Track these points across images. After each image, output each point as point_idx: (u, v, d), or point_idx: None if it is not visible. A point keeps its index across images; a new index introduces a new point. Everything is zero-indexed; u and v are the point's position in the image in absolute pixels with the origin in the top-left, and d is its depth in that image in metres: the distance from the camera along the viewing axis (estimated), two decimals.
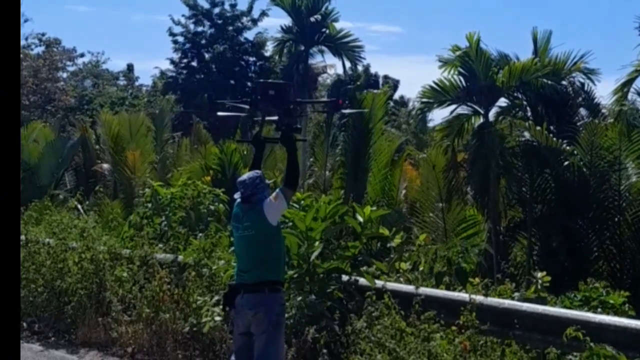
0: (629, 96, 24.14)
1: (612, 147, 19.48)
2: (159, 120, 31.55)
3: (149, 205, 14.71)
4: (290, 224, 10.23)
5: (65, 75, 54.95)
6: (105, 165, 28.29)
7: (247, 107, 9.15)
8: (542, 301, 9.26)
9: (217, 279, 10.67)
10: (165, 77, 55.64)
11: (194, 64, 54.42)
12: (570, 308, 10.32)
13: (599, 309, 10.75)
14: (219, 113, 9.71)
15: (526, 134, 21.10)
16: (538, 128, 20.10)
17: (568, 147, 19.92)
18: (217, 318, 9.98)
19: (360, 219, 11.11)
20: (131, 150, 25.59)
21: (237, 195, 7.86)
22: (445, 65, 22.13)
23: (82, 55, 55.86)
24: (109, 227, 14.61)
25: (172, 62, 54.77)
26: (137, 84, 64.67)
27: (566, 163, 19.89)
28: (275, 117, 8.43)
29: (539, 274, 10.99)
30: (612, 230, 19.55)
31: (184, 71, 54.33)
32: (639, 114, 23.57)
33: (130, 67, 66.11)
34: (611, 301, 11.15)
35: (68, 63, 54.22)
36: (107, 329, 11.45)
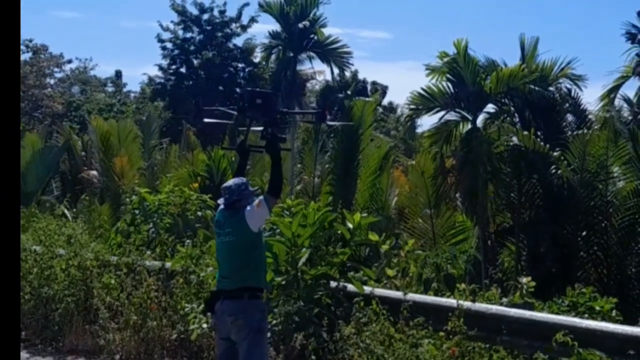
0: (616, 102, 24.29)
1: (599, 154, 19.55)
2: (147, 126, 31.54)
3: (137, 212, 14.70)
4: (278, 230, 10.24)
5: (52, 81, 55.04)
6: (93, 172, 28.28)
7: (234, 113, 9.14)
8: (530, 307, 9.25)
9: (205, 286, 10.66)
10: (154, 84, 55.56)
11: (183, 70, 54.37)
12: (557, 313, 10.34)
13: (586, 315, 10.77)
14: (205, 120, 9.70)
15: (514, 138, 21.13)
16: (526, 133, 20.15)
17: (555, 153, 19.96)
18: (205, 325, 9.97)
19: (350, 225, 11.13)
20: (119, 157, 25.55)
21: (220, 201, 7.86)
22: (433, 72, 22.13)
23: (69, 61, 55.95)
24: (96, 234, 14.56)
25: (161, 68, 54.70)
26: (125, 90, 64.76)
27: (554, 169, 19.92)
28: (260, 127, 8.44)
29: (524, 279, 11.01)
30: (599, 236, 19.60)
31: (173, 77, 54.25)
32: (625, 120, 23.68)
33: (118, 74, 66.20)
34: (598, 307, 11.17)
35: (55, 69, 54.32)
36: (94, 336, 11.43)
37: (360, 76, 61.30)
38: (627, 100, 26.75)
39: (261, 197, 7.68)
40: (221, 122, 9.75)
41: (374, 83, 64.45)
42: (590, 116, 22.52)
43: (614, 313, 10.89)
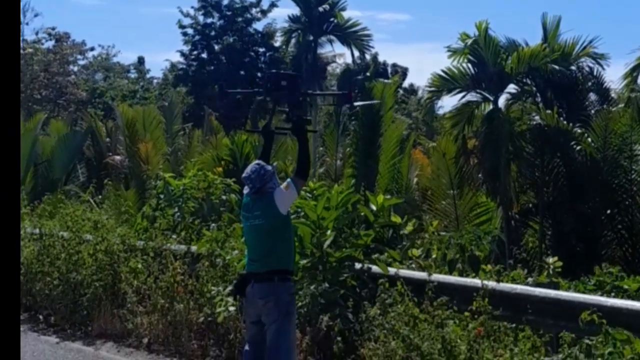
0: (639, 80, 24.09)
1: (622, 130, 19.44)
2: (169, 112, 31.68)
3: (161, 196, 14.80)
4: (302, 213, 10.30)
5: (76, 69, 55.25)
6: (117, 157, 28.41)
7: (256, 97, 9.22)
8: (555, 286, 9.29)
9: (231, 269, 10.73)
10: (176, 70, 55.78)
11: (204, 55, 54.53)
12: (583, 293, 10.34)
13: (612, 294, 10.74)
14: (229, 91, 9.65)
15: (536, 117, 21.04)
16: (548, 112, 20.07)
17: (579, 131, 19.87)
18: (231, 308, 10.02)
19: (374, 207, 11.18)
20: (145, 142, 25.67)
21: (246, 190, 7.91)
22: (454, 54, 22.06)
23: (92, 49, 56.15)
24: (122, 219, 14.68)
25: (182, 54, 54.95)
26: (148, 76, 64.92)
27: (578, 148, 19.84)
28: (285, 108, 8.50)
29: (551, 260, 11.02)
30: (623, 214, 19.50)
31: (194, 63, 54.46)
32: None
33: (141, 60, 66.42)
34: (625, 286, 11.14)
35: (79, 57, 54.51)
36: (122, 320, 11.55)
37: (381, 59, 61.28)
38: None
39: (289, 180, 7.75)
40: (249, 92, 9.80)
41: (394, 65, 64.33)
42: (613, 95, 22.39)
43: None
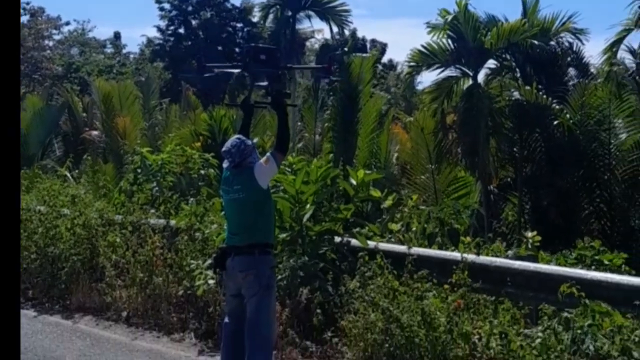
0: (619, 55, 24.19)
1: (602, 106, 19.55)
2: (146, 87, 31.55)
3: (139, 171, 14.76)
4: (282, 188, 10.29)
5: (51, 43, 54.81)
6: (95, 132, 28.30)
7: (235, 71, 9.16)
8: (534, 259, 9.31)
9: (210, 243, 10.73)
10: (153, 45, 55.48)
11: (181, 30, 54.29)
12: (564, 266, 10.36)
13: (593, 268, 10.77)
14: (207, 74, 9.70)
15: (515, 93, 21.13)
16: (527, 87, 20.15)
17: (557, 107, 19.96)
18: (211, 281, 10.03)
19: (353, 182, 11.18)
20: (122, 117, 25.55)
21: (225, 164, 7.88)
22: (434, 30, 22.10)
23: (67, 23, 55.77)
24: (100, 194, 14.62)
25: (159, 29, 54.67)
26: (124, 51, 64.51)
27: (556, 122, 19.93)
28: (265, 83, 8.46)
29: (530, 234, 11.05)
30: (602, 188, 19.64)
31: (171, 38, 54.21)
32: (628, 72, 23.59)
33: (117, 35, 65.99)
34: (606, 261, 11.17)
35: (54, 31, 54.12)
36: (101, 294, 11.51)
37: (360, 34, 61.13)
38: (631, 51, 26.62)
39: (269, 154, 7.73)
40: (227, 71, 9.74)
41: (373, 41, 64.21)
42: (592, 70, 22.50)
43: (623, 269, 10.88)
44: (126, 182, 14.87)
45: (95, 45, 61.31)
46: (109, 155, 25.66)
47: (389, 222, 11.52)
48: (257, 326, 7.57)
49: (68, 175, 16.69)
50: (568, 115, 19.72)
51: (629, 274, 9.69)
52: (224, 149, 7.78)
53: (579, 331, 7.09)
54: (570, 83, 21.73)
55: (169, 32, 54.46)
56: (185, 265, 10.63)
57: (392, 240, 10.79)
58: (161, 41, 54.72)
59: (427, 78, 51.48)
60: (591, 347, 6.91)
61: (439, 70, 22.38)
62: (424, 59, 22.36)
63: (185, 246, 10.87)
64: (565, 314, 7.34)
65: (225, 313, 8.20)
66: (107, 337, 10.38)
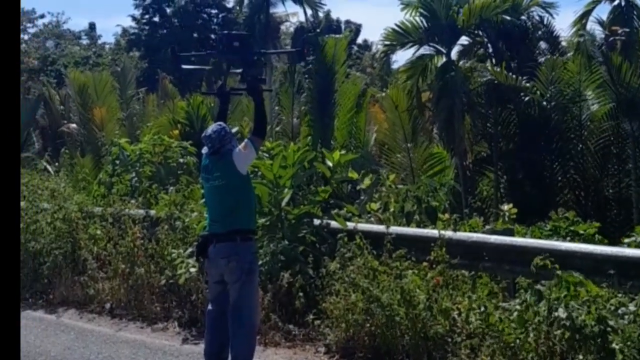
0: (588, 27, 24.36)
1: (572, 80, 19.70)
2: (123, 77, 31.41)
3: (117, 162, 14.77)
4: (260, 173, 10.34)
5: (26, 37, 54.46)
6: (73, 125, 28.18)
7: (210, 59, 9.22)
8: (510, 232, 9.40)
9: (191, 231, 10.79)
10: (128, 34, 55.28)
11: (156, 19, 54.10)
12: (539, 238, 10.49)
13: (568, 239, 10.91)
14: (184, 66, 9.76)
15: (487, 73, 21.26)
16: (497, 69, 20.28)
17: (528, 84, 20.11)
18: (192, 269, 10.09)
19: (330, 164, 11.25)
20: (98, 108, 25.48)
21: (204, 150, 7.93)
22: (407, 7, 22.15)
23: (42, 16, 55.63)
24: (79, 187, 14.63)
25: (134, 18, 54.56)
26: (100, 42, 64.22)
27: (527, 99, 20.08)
28: (239, 69, 8.52)
29: (506, 207, 11.18)
30: (575, 160, 19.83)
31: (147, 27, 54.06)
32: (597, 44, 23.77)
33: (92, 26, 65.76)
34: (581, 231, 11.32)
35: (28, 25, 53.78)
36: (84, 287, 11.53)
37: (334, 16, 61.09)
38: (600, 22, 26.83)
39: (247, 139, 7.78)
40: (200, 67, 9.83)
41: (347, 22, 64.17)
42: (563, 42, 22.64)
43: (596, 238, 11.03)
44: (105, 174, 14.90)
45: (70, 38, 61.01)
46: (87, 147, 25.59)
47: (367, 202, 11.62)
48: (240, 311, 7.64)
49: (48, 167, 16.65)
50: (539, 92, 19.86)
51: (602, 243, 9.86)
52: (204, 134, 7.83)
53: (555, 302, 7.19)
54: (541, 57, 21.87)
55: (144, 20, 54.31)
56: (166, 255, 10.68)
57: (372, 220, 10.89)
58: (136, 30, 54.59)
59: (402, 57, 51.59)
60: (564, 317, 7.01)
61: (413, 49, 22.47)
62: (398, 37, 22.44)
63: (165, 235, 10.92)
64: (538, 286, 7.43)
65: (208, 300, 8.27)
66: (91, 330, 10.43)
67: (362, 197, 12.59)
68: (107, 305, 11.19)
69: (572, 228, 11.25)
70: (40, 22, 56.11)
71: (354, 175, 12.21)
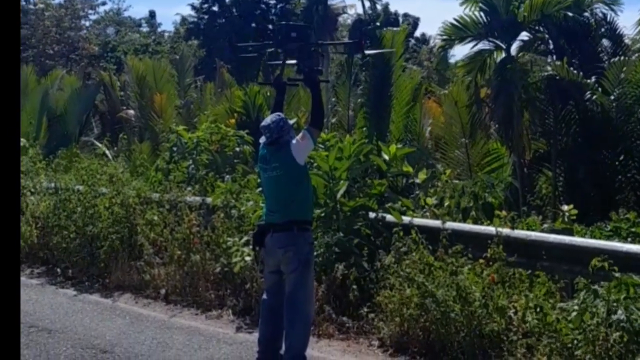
0: None
1: (637, 79, 19.32)
2: (181, 65, 31.63)
3: (175, 149, 14.87)
4: (315, 164, 10.35)
5: (87, 23, 55.14)
6: (131, 112, 28.39)
7: (267, 50, 9.24)
8: (569, 232, 9.30)
9: (246, 220, 10.82)
10: (187, 23, 55.66)
11: (215, 8, 54.32)
12: (599, 239, 10.32)
13: (629, 240, 10.72)
14: (239, 45, 9.76)
15: (548, 68, 20.98)
16: (558, 63, 20.00)
17: (589, 81, 19.78)
18: (247, 258, 10.12)
19: (386, 157, 11.22)
20: (157, 95, 25.64)
21: (262, 140, 7.96)
22: (466, 2, 21.95)
23: (103, 3, 56.02)
24: (137, 173, 14.76)
25: (193, 7, 54.82)
26: (159, 30, 64.77)
27: (589, 95, 19.76)
28: (296, 60, 8.53)
29: (566, 207, 11.04)
30: (637, 160, 19.47)
31: (205, 16, 54.30)
32: None
33: (152, 14, 66.41)
34: None
35: (90, 11, 54.34)
36: (139, 272, 11.62)
37: (392, 8, 60.79)
38: None
39: (304, 130, 7.79)
40: (260, 45, 9.84)
41: (405, 15, 63.82)
42: (627, 41, 22.23)
43: None
44: (162, 161, 15.00)
45: (130, 25, 61.57)
46: (145, 133, 25.80)
47: (422, 197, 11.56)
48: (296, 302, 7.68)
49: (107, 152, 16.81)
50: (601, 89, 19.54)
51: None
52: (263, 123, 7.86)
53: (614, 304, 7.10)
54: (603, 55, 21.49)
55: (203, 9, 54.56)
56: (222, 243, 10.73)
57: (427, 215, 10.84)
58: (195, 19, 54.87)
59: (460, 51, 51.19)
60: (623, 319, 6.92)
61: (471, 44, 22.27)
62: (457, 32, 22.23)
63: (221, 223, 10.97)
64: (596, 287, 7.34)
65: (263, 289, 8.30)
66: (146, 315, 10.52)
67: (417, 192, 12.52)
68: (162, 291, 11.26)
69: (633, 229, 11.05)
70: (101, 9, 56.67)
71: (409, 169, 12.16)
